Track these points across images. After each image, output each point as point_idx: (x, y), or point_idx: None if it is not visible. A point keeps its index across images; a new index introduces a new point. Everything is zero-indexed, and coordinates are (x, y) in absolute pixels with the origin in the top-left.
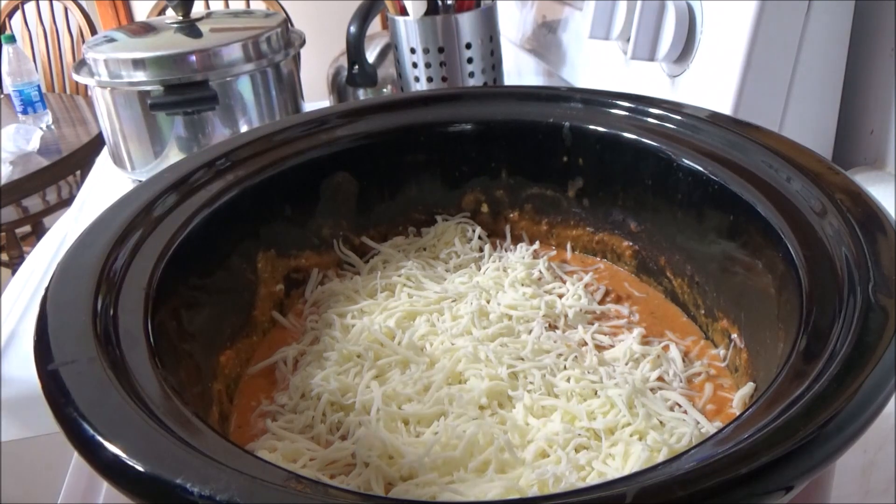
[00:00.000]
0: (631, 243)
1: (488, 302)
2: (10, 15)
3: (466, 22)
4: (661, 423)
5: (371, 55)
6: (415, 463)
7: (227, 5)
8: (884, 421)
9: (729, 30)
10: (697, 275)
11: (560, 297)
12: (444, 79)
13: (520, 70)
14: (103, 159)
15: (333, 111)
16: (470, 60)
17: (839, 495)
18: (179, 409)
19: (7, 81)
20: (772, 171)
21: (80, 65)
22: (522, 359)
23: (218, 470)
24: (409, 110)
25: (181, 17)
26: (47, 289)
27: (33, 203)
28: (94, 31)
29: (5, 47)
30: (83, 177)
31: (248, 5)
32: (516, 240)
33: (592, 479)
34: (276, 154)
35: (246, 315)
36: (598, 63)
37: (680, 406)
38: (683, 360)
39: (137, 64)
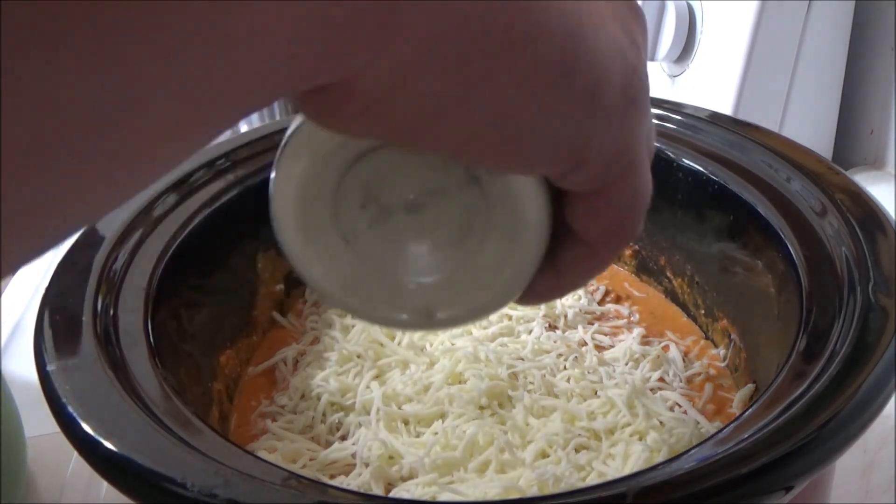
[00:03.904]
0: (631, 243)
1: None
2: None
3: None
4: (661, 423)
5: None
6: (415, 463)
7: None
8: (884, 421)
9: (729, 30)
10: (697, 275)
11: None
12: None
13: None
14: None
15: None
16: None
17: (839, 495)
18: (179, 409)
19: None
20: (772, 171)
21: None
22: (522, 359)
23: (218, 470)
24: None
25: None
26: (47, 289)
27: None
28: None
29: None
30: None
31: None
32: None
33: (592, 479)
34: (276, 154)
35: (246, 315)
36: None
37: (680, 406)
38: (683, 360)
39: None
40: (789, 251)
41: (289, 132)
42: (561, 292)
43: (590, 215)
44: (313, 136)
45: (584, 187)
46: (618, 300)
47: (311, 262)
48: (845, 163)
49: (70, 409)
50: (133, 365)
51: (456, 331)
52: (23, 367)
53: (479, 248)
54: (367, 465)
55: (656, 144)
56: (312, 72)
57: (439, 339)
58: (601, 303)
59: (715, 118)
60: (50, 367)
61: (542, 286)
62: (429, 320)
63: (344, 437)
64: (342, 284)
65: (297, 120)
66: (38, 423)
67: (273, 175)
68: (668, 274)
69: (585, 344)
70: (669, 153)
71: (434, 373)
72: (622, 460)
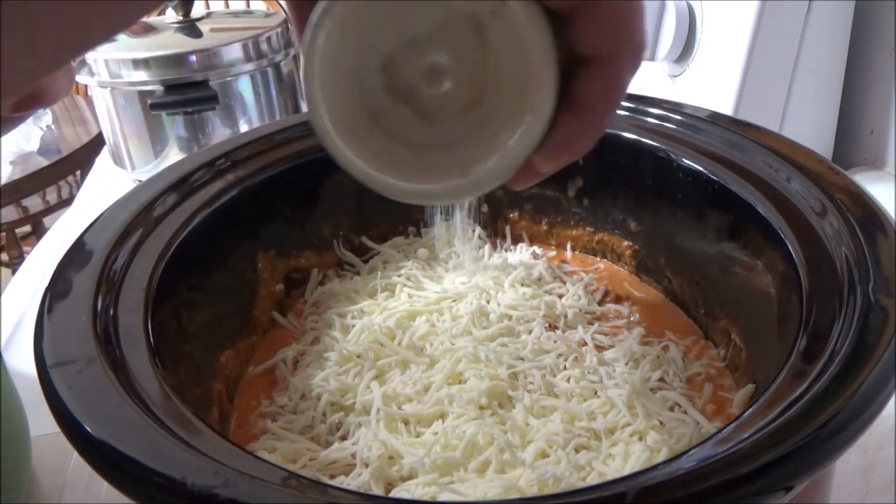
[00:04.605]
0: (631, 243)
1: (488, 302)
2: None
3: None
4: (661, 423)
5: None
6: (415, 463)
7: (227, 5)
8: (884, 421)
9: (729, 30)
10: (697, 274)
11: (560, 297)
12: None
13: None
14: (103, 159)
15: None
16: None
17: (839, 495)
18: (179, 409)
19: None
20: (772, 171)
21: (80, 65)
22: (522, 359)
23: (218, 470)
24: None
25: (181, 17)
26: (47, 289)
27: (33, 203)
28: None
29: None
30: (83, 177)
31: (248, 5)
32: (516, 240)
33: (592, 480)
34: (276, 154)
35: (246, 315)
36: None
37: (680, 406)
38: (683, 360)
39: (137, 64)
40: (789, 251)
41: (310, 19)
42: (585, 136)
43: (593, 27)
44: (330, 6)
45: (572, 1)
46: (618, 300)
47: (343, 141)
48: (845, 163)
49: (70, 409)
50: (133, 365)
51: (456, 331)
52: (24, 366)
53: (499, 97)
54: (367, 465)
55: (656, 144)
56: None
57: (439, 340)
58: (601, 303)
59: (715, 118)
60: (50, 368)
61: (565, 132)
62: (465, 179)
63: (344, 437)
64: (374, 161)
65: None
66: (38, 422)
67: (301, 53)
68: (668, 274)
69: (585, 344)
70: (669, 153)
71: (434, 373)
72: (622, 460)
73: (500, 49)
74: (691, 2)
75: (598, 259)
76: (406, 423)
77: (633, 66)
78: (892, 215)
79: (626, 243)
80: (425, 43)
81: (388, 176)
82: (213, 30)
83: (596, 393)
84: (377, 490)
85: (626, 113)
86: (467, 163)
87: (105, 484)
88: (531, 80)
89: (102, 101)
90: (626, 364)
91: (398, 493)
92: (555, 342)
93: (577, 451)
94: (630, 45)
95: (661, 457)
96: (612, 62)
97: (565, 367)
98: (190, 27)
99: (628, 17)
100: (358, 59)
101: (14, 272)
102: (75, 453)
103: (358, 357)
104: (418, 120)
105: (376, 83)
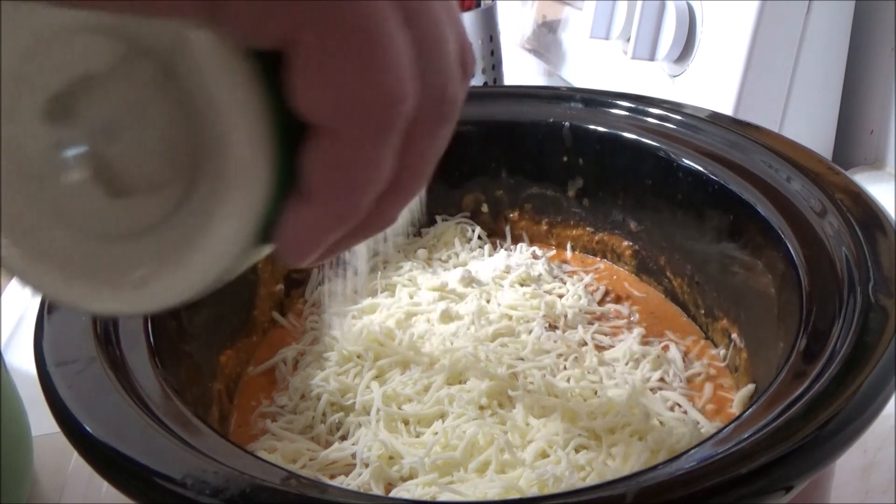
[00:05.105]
0: (631, 243)
1: (488, 302)
2: None
3: (466, 22)
4: (661, 423)
5: None
6: (415, 463)
7: None
8: (884, 421)
9: (729, 30)
10: (697, 275)
11: (560, 297)
12: None
13: (520, 70)
14: None
15: None
16: None
17: (839, 495)
18: (179, 409)
19: None
20: (772, 171)
21: None
22: (522, 359)
23: (218, 470)
24: None
25: None
26: None
27: None
28: None
29: None
30: None
31: None
32: (516, 240)
33: (592, 480)
34: None
35: (246, 315)
36: (598, 63)
37: (680, 406)
38: (683, 360)
39: None
40: (789, 251)
41: None
42: (319, 226)
43: (303, 82)
44: None
45: (261, 39)
46: (618, 300)
47: None
48: (845, 163)
49: (70, 409)
50: (133, 365)
51: (456, 330)
52: (24, 366)
53: (200, 172)
54: (367, 465)
55: (655, 144)
56: None
57: (439, 339)
58: (601, 303)
59: (715, 118)
60: (50, 368)
61: (288, 223)
62: (145, 288)
63: (344, 437)
64: (28, 249)
65: None
66: (38, 422)
67: None
68: (668, 274)
69: (585, 344)
70: (669, 153)
71: (434, 373)
72: (622, 460)
73: (193, 103)
74: (691, 2)
75: (598, 259)
76: (406, 423)
77: (374, 140)
78: (892, 215)
79: (626, 243)
80: (99, 86)
81: (44, 270)
82: None
83: (596, 393)
84: (377, 490)
85: (626, 113)
86: (146, 275)
87: (105, 484)
88: (232, 151)
89: None
90: (626, 364)
91: (398, 493)
92: (555, 342)
93: (577, 451)
94: (361, 110)
95: (661, 457)
96: (332, 135)
97: (565, 367)
98: None
99: (359, 67)
100: (6, 103)
101: None
102: (75, 453)
103: (358, 357)
104: (97, 194)
105: (38, 137)
